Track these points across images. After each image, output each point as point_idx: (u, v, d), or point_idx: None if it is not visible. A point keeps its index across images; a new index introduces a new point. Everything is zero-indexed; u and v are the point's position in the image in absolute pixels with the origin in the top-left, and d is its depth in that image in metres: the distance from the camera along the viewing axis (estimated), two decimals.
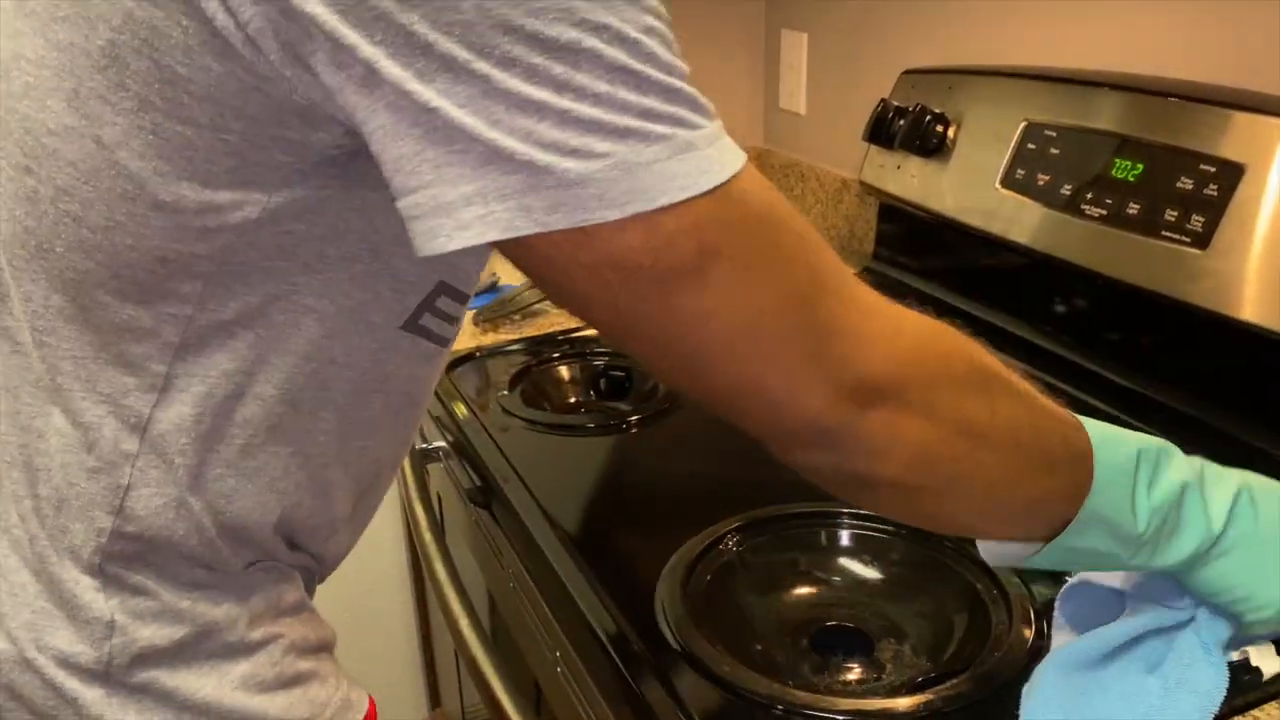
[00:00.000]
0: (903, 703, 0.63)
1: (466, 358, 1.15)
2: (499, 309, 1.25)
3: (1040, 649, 0.67)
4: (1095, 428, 0.57)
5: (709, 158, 0.44)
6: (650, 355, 0.49)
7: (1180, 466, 0.60)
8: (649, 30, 0.42)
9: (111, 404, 0.52)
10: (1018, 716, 0.61)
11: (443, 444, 1.05)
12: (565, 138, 0.41)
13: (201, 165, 0.46)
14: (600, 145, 0.41)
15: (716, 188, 0.44)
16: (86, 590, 0.54)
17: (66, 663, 0.54)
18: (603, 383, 1.12)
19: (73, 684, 0.54)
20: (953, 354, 0.53)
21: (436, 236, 0.42)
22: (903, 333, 0.51)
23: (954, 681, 0.64)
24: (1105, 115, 1.00)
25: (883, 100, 1.27)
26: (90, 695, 0.55)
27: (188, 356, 0.51)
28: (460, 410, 1.03)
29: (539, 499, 0.86)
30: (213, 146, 0.46)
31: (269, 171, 0.47)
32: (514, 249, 0.43)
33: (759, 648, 0.71)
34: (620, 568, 0.78)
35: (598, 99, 0.41)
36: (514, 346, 1.17)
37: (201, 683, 0.57)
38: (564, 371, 1.13)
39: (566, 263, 0.43)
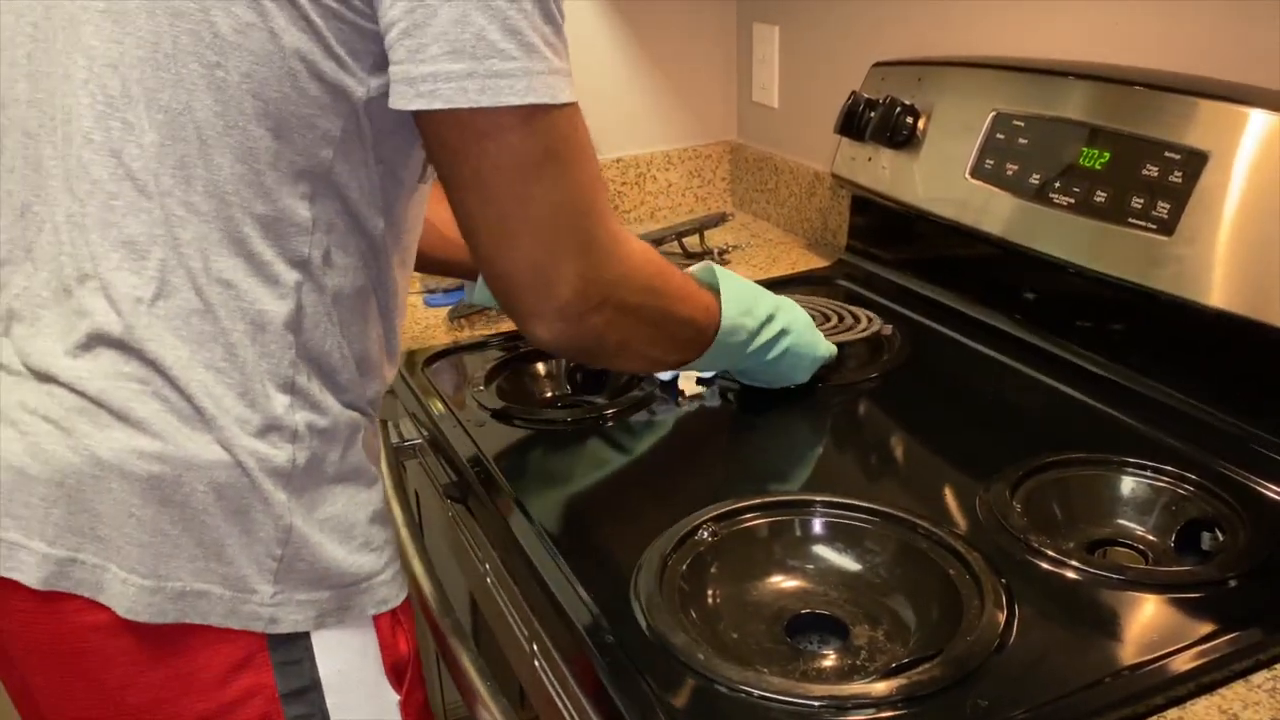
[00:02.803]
0: (877, 688, 0.64)
1: (442, 354, 1.15)
2: (473, 305, 1.25)
3: (1011, 634, 0.68)
4: (729, 296, 0.88)
5: (566, 84, 0.66)
6: (476, 215, 0.68)
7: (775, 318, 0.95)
8: None
9: (280, 246, 0.66)
10: (990, 700, 0.62)
11: (419, 440, 1.05)
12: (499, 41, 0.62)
13: (333, 48, 0.63)
14: (516, 52, 0.63)
15: (568, 104, 0.66)
16: (280, 405, 0.67)
17: (266, 464, 0.66)
18: (579, 376, 1.12)
19: (268, 484, 0.66)
20: (651, 269, 0.78)
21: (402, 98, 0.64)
22: (632, 253, 0.75)
23: (927, 666, 0.65)
24: (1072, 104, 1.01)
25: (853, 93, 1.28)
26: (279, 496, 0.67)
27: (321, 202, 0.67)
28: (436, 406, 1.03)
29: (515, 493, 0.86)
30: (337, 32, 0.63)
31: (368, 56, 0.65)
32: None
33: (735, 636, 0.72)
34: (596, 560, 0.78)
35: (526, 16, 0.63)
36: (489, 342, 1.17)
37: (344, 499, 0.71)
38: (539, 366, 1.13)
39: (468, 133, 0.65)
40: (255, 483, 0.66)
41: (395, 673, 0.73)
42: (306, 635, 0.68)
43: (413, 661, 0.75)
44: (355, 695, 0.71)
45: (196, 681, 0.67)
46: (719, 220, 1.40)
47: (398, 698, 0.73)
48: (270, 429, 0.66)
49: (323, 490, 0.69)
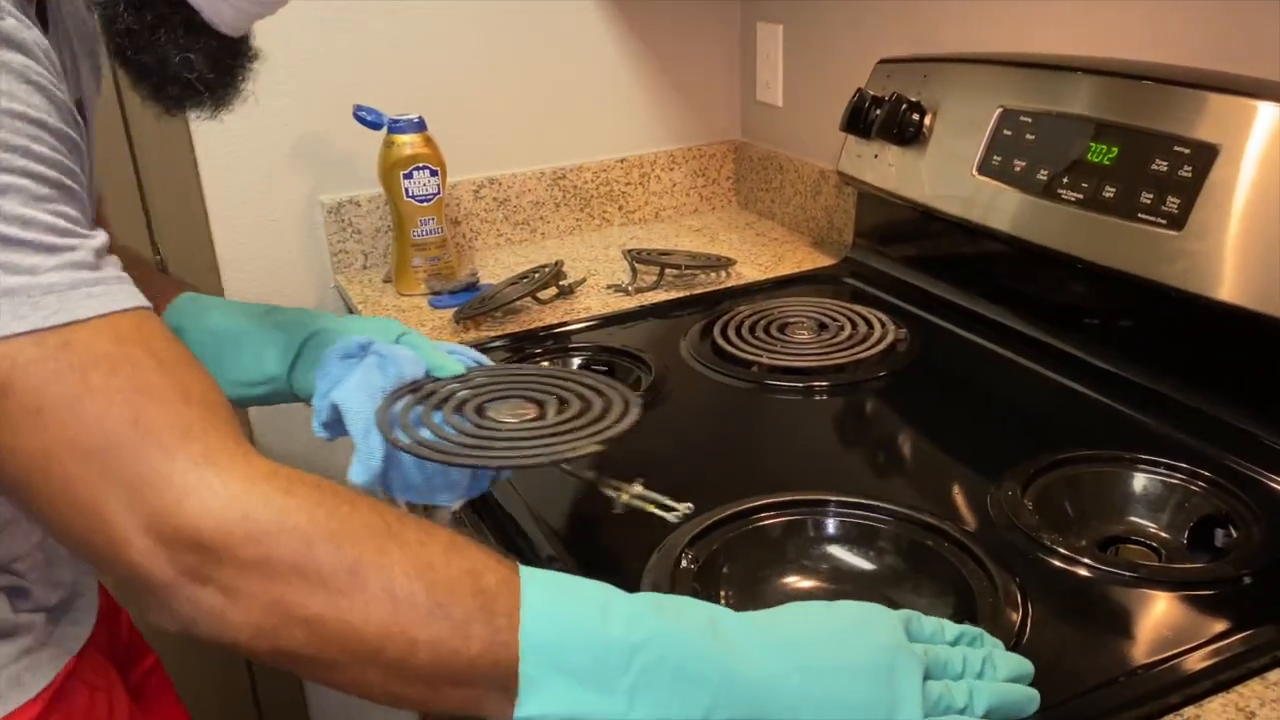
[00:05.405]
0: None
1: None
2: (479, 306, 1.25)
3: (1025, 632, 0.67)
4: (552, 582, 0.54)
5: (34, 304, 0.50)
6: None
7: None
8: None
9: None
10: None
11: None
12: None
13: None
14: None
15: (25, 333, 0.49)
16: None
17: None
18: None
19: None
20: (318, 517, 0.51)
21: None
22: (250, 490, 0.50)
23: None
24: (1080, 100, 1.01)
25: (859, 90, 1.28)
26: None
27: None
28: None
29: (522, 493, 0.86)
30: None
31: None
32: None
33: None
34: (605, 561, 0.78)
35: None
36: (495, 344, 1.16)
37: None
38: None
39: None
40: None
41: None
42: None
43: None
44: None
45: None
46: (724, 264, 1.37)
47: None
48: None
49: None
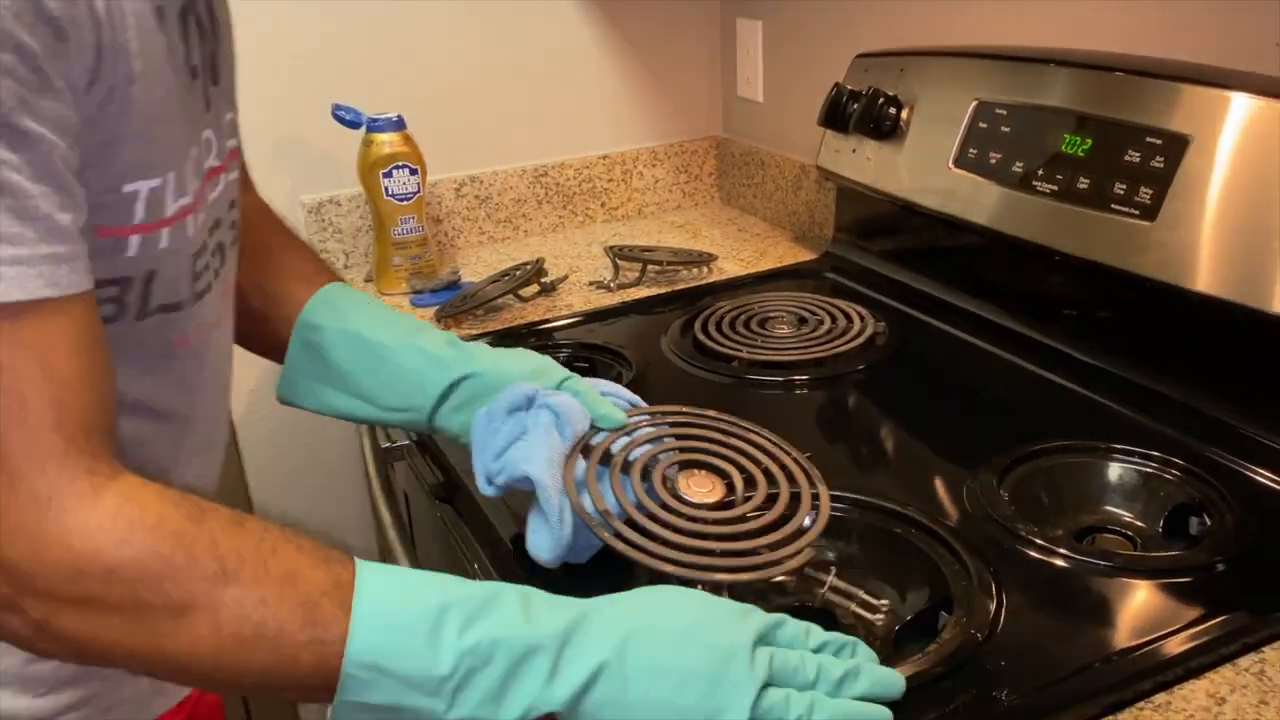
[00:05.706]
0: None
1: None
2: (461, 304, 1.25)
3: (1000, 622, 0.68)
4: (386, 579, 0.55)
5: None
6: None
7: (516, 620, 0.55)
8: None
9: None
10: (979, 689, 0.62)
11: (406, 441, 1.05)
12: None
13: None
14: None
15: None
16: None
17: None
18: None
19: None
20: (148, 563, 0.50)
21: None
22: (86, 533, 0.49)
23: (917, 658, 0.65)
24: (1054, 92, 1.01)
25: (836, 84, 1.28)
26: None
27: None
28: None
29: (505, 499, 0.86)
30: None
31: None
32: None
33: None
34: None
35: None
36: (477, 341, 1.16)
37: None
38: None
39: None
40: None
41: None
42: None
43: None
44: None
45: None
46: (706, 260, 1.37)
47: None
48: None
49: None
